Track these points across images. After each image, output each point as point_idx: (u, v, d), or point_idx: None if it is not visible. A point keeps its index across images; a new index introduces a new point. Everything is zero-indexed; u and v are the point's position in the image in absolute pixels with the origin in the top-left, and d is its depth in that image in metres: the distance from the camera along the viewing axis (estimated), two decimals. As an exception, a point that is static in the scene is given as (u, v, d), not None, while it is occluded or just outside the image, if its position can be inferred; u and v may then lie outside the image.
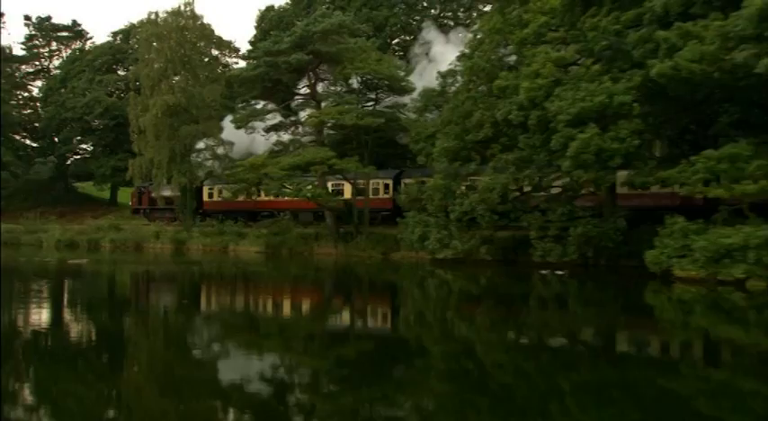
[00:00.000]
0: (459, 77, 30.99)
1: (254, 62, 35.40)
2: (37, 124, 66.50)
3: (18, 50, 68.03)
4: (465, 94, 28.97)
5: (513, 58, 27.87)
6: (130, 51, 62.49)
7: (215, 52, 48.24)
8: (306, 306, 21.21)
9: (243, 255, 39.07)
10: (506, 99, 25.72)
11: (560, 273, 24.48)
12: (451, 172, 27.60)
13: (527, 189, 26.42)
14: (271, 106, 37.23)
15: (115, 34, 63.63)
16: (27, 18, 67.13)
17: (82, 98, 59.21)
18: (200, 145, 43.92)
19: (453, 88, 30.66)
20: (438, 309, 20.50)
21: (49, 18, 67.42)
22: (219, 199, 47.13)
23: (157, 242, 44.10)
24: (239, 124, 36.95)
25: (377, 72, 34.28)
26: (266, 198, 41.71)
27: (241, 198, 39.29)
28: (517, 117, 24.64)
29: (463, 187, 27.73)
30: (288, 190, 33.52)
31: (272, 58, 34.49)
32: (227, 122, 43.43)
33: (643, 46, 20.98)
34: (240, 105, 39.28)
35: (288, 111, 37.30)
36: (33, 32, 67.57)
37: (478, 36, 30.00)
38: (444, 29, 43.27)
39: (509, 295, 22.87)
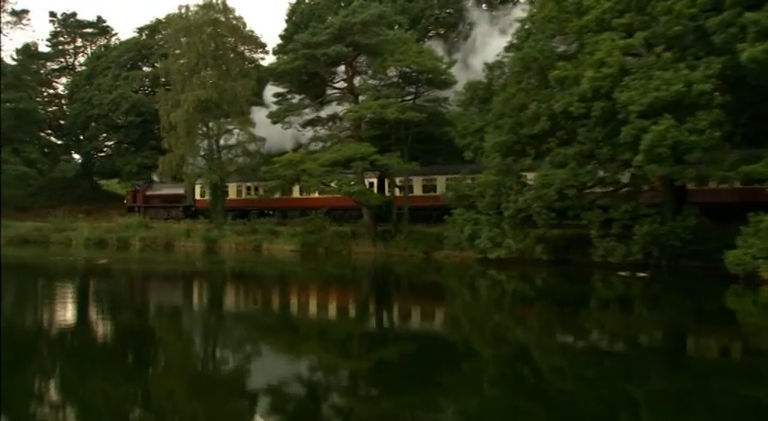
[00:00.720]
0: (506, 69, 29.71)
1: (291, 55, 34.16)
2: (62, 121, 65.98)
3: (43, 47, 67.70)
4: (515, 86, 27.59)
5: (570, 47, 26.44)
6: (156, 47, 61.74)
7: (241, 47, 47.05)
8: (347, 306, 20.39)
9: (277, 254, 38.00)
10: (565, 90, 24.33)
11: (642, 275, 23.02)
12: (503, 167, 26.19)
13: (589, 185, 24.91)
14: (308, 101, 36.05)
15: (141, 30, 62.84)
16: (52, 15, 66.60)
17: (108, 95, 58.43)
18: (232, 140, 43.02)
19: (501, 80, 29.30)
20: (490, 311, 19.49)
21: (74, 14, 66.90)
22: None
23: (188, 241, 43.14)
24: (276, 119, 35.80)
25: (419, 64, 32.96)
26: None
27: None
28: (578, 109, 23.24)
29: (516, 184, 26.29)
30: (332, 187, 32.31)
31: (311, 51, 33.29)
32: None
33: (725, 30, 19.48)
34: (275, 100, 38.07)
35: (324, 105, 36.06)
36: (58, 29, 67.03)
37: (527, 26, 28.64)
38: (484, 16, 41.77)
39: (572, 296, 21.57)
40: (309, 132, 36.78)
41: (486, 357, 12.86)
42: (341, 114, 34.97)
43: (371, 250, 35.98)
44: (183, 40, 42.44)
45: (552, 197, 24.48)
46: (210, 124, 43.27)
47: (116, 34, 68.71)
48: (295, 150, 37.45)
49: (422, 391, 9.83)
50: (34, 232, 49.02)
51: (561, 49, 27.23)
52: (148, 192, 51.82)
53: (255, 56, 58.37)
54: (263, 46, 58.18)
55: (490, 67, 30.08)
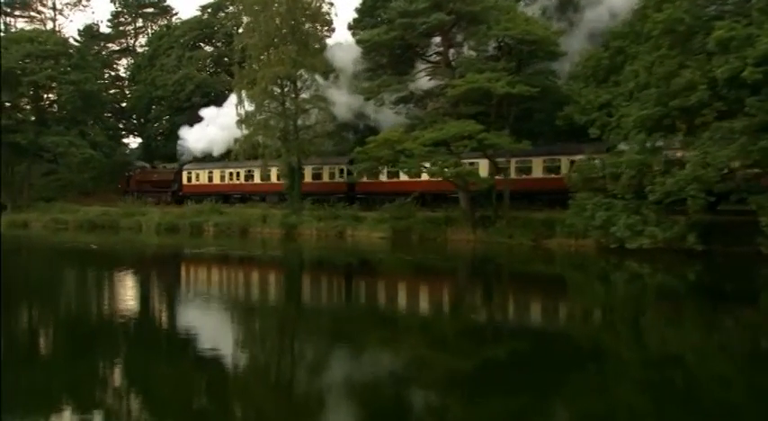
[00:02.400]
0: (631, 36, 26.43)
1: (385, 26, 31.23)
2: (123, 104, 64.66)
3: (104, 29, 66.26)
4: (653, 53, 24.25)
5: (727, 5, 23.01)
6: (219, 26, 59.68)
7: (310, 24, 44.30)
8: (450, 299, 18.71)
9: (363, 241, 35.44)
10: (729, 54, 20.99)
11: None
12: (648, 145, 22.96)
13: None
14: (395, 76, 33.12)
15: (204, 8, 60.75)
16: (113, -6, 64.98)
17: (172, 75, 56.70)
18: (311, 120, 40.51)
19: (633, 49, 25.99)
20: (629, 307, 16.99)
21: (134, -7, 65.22)
22: (198, 182, 50.97)
23: (264, 226, 40.92)
24: (369, 95, 33.04)
25: (528, 33, 29.75)
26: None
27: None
28: (752, 75, 19.91)
29: (664, 163, 23.06)
30: (434, 168, 29.42)
31: (409, 20, 30.34)
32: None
33: None
34: (366, 75, 35.26)
35: (411, 81, 33.09)
36: (119, 9, 65.49)
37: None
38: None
39: (736, 293, 18.60)
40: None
41: (623, 359, 11.38)
42: (441, 90, 31.92)
43: (470, 237, 33.07)
44: (259, 14, 39.85)
45: (713, 178, 21.21)
46: (287, 103, 40.83)
47: (176, 13, 66.98)
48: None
49: (538, 394, 8.92)
50: (102, 217, 47.58)
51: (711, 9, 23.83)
52: (140, 178, 54.19)
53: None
54: (329, 23, 55.59)
55: (617, 35, 26.83)
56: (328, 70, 39.90)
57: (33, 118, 53.92)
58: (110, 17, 65.76)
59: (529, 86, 29.18)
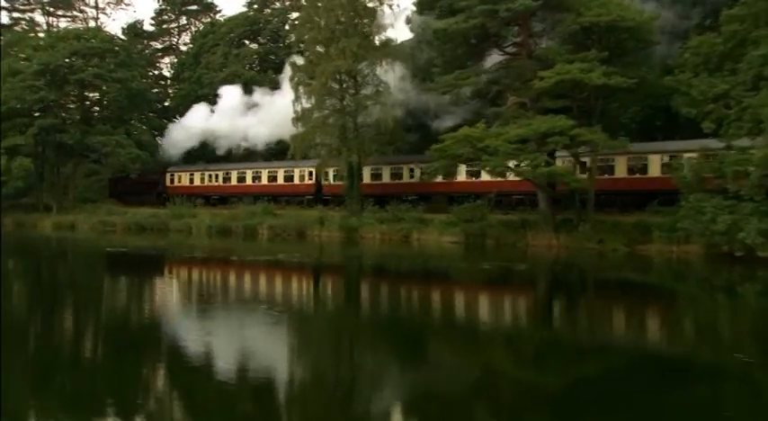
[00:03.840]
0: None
1: (463, 14, 28.80)
2: (166, 103, 63.22)
3: (147, 27, 64.92)
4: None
5: None
6: (266, 22, 57.89)
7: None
8: (539, 310, 16.73)
9: (430, 246, 33.08)
10: None
11: None
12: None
13: None
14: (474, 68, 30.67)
15: (250, 4, 59.00)
16: (157, -9, 63.61)
17: (218, 73, 55.00)
18: (371, 117, 38.29)
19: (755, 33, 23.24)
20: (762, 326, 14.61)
21: (178, -9, 63.80)
22: (183, 184, 53.39)
23: (322, 229, 38.76)
24: (446, 89, 30.66)
25: (623, 19, 27.15)
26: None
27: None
28: None
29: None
30: (520, 167, 26.92)
31: (491, 6, 27.91)
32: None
33: None
34: (438, 68, 32.92)
35: (499, 72, 30.59)
36: (163, 7, 64.10)
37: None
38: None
39: None
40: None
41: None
42: (522, 83, 29.40)
43: (552, 242, 30.51)
44: (319, 5, 37.81)
45: None
46: (345, 100, 38.73)
47: (220, 11, 65.40)
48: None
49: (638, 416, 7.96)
50: (151, 219, 45.90)
51: None
52: (127, 181, 55.82)
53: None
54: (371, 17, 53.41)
55: (732, 18, 24.08)
56: (390, 64, 37.68)
57: (78, 117, 52.56)
58: (153, 15, 64.58)
59: (628, 78, 26.55)
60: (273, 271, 24.02)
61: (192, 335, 12.75)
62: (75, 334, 13.47)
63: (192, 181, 53.22)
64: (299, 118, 38.94)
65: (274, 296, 18.55)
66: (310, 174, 44.37)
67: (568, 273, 24.36)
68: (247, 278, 22.74)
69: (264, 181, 47.98)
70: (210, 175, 51.66)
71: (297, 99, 39.08)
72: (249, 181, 48.82)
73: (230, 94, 50.49)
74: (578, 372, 10.36)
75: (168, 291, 19.24)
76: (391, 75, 38.25)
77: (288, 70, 42.54)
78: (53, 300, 17.81)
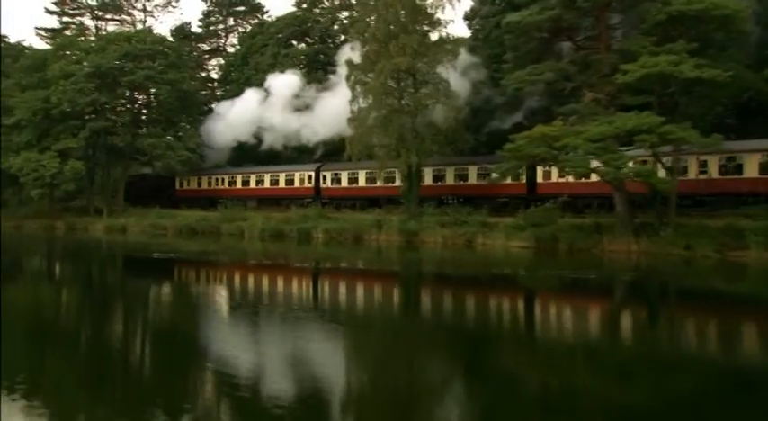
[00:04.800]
0: None
1: (537, 6, 27.16)
2: (214, 105, 62.63)
3: (194, 29, 64.57)
4: None
5: None
6: (315, 22, 56.89)
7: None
8: (627, 322, 15.36)
9: (496, 251, 31.40)
10: None
11: None
12: None
13: None
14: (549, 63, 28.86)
15: (299, 4, 58.10)
16: (205, -7, 63.24)
17: (267, 74, 54.05)
18: (432, 117, 36.82)
19: None
20: None
21: (226, -8, 63.32)
22: (192, 187, 55.37)
23: (380, 233, 37.40)
24: (519, 86, 28.99)
25: (715, 7, 25.16)
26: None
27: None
28: None
29: None
30: (608, 167, 25.07)
31: (570, -5, 26.22)
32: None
33: None
34: (508, 65, 31.25)
35: (574, 66, 28.76)
36: (210, 8, 63.69)
37: None
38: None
39: None
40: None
41: None
42: (599, 78, 27.58)
43: (631, 248, 28.56)
44: (378, 2, 36.47)
45: None
46: (404, 99, 37.33)
47: (267, 11, 64.68)
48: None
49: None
50: (202, 222, 45.17)
51: None
52: (140, 184, 56.36)
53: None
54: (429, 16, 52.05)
55: None
56: (451, 61, 36.19)
57: (129, 119, 52.27)
58: (201, 17, 64.15)
59: (725, 70, 24.57)
60: (337, 277, 22.71)
61: (247, 345, 12.06)
62: (127, 342, 12.58)
63: (199, 184, 55.23)
64: (356, 118, 37.68)
65: (341, 305, 17.19)
66: (309, 177, 47.17)
67: (652, 282, 22.40)
68: (309, 285, 21.45)
69: (267, 184, 50.31)
70: (217, 179, 53.64)
71: (354, 98, 37.83)
72: (253, 184, 51.16)
73: (281, 86, 49.83)
74: (669, 390, 9.17)
75: (226, 299, 18.00)
76: (452, 72, 36.78)
77: (342, 70, 41.43)
78: (104, 307, 16.90)
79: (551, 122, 26.50)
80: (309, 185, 47.37)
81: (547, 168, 36.80)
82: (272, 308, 16.34)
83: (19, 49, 64.56)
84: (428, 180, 40.08)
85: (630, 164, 24.97)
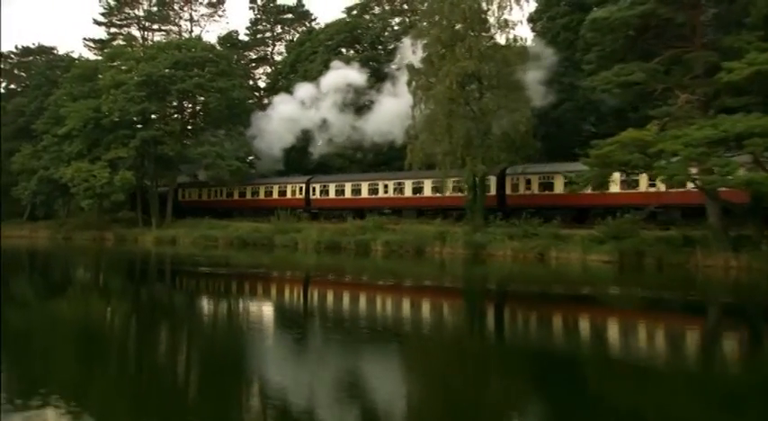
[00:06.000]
0: None
1: (625, 0, 25.10)
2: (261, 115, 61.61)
3: (242, 37, 63.81)
4: None
5: None
6: (366, 28, 55.47)
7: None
8: (740, 347, 13.06)
9: (573, 266, 29.18)
10: None
11: None
12: None
13: None
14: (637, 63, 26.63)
15: (349, 9, 56.86)
16: (252, 1, 62.41)
17: (317, 81, 52.75)
18: (500, 123, 34.85)
19: None
20: None
21: (273, 0, 62.34)
22: (192, 199, 56.94)
23: (444, 246, 35.46)
24: (606, 87, 26.87)
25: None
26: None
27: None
28: None
29: None
30: (713, 176, 22.73)
31: (666, -11, 24.10)
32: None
33: None
34: (589, 66, 29.16)
35: (665, 66, 26.53)
36: (258, 16, 62.88)
37: None
38: None
39: None
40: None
41: None
42: (691, 79, 25.31)
43: (730, 263, 26.12)
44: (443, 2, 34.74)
45: None
46: (469, 104, 35.45)
47: (315, 19, 63.52)
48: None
49: None
50: (254, 233, 43.83)
51: None
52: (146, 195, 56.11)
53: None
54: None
55: None
56: (521, 64, 34.23)
57: (178, 129, 51.44)
58: (248, 25, 63.29)
59: None
60: (411, 293, 20.78)
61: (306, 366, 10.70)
62: (180, 359, 11.27)
63: (200, 196, 56.99)
64: (418, 125, 35.93)
65: (418, 326, 15.25)
66: (300, 189, 49.30)
67: (758, 301, 19.92)
68: (378, 304, 19.56)
69: (262, 195, 51.93)
70: (216, 191, 54.76)
71: (415, 104, 36.11)
72: (249, 196, 52.94)
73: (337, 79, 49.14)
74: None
75: (287, 314, 16.22)
76: (521, 76, 34.84)
77: (402, 75, 39.81)
78: (155, 322, 15.52)
79: (628, 128, 24.28)
80: (300, 196, 49.40)
81: (515, 180, 38.33)
82: (334, 328, 14.49)
83: (68, 60, 64.75)
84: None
85: (741, 171, 22.50)
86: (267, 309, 17.74)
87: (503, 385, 9.89)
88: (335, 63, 50.74)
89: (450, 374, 10.43)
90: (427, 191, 42.15)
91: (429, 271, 28.75)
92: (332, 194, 47.60)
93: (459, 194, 37.71)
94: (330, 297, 20.46)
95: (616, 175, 29.87)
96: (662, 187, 29.15)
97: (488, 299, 20.53)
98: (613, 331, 14.82)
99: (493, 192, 38.04)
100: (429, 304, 18.80)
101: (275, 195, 51.03)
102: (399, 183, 43.62)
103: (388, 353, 11.98)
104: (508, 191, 38.60)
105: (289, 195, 50.27)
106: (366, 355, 11.58)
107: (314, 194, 48.74)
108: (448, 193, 38.36)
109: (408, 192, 43.35)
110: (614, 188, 32.60)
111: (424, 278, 25.53)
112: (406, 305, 18.55)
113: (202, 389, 9.49)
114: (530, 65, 36.22)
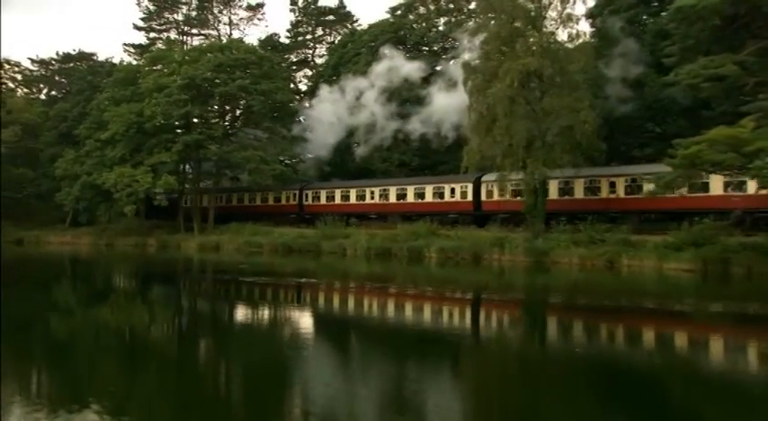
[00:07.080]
0: None
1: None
2: (302, 118, 60.56)
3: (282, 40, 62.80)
4: None
5: None
6: (409, 28, 53.96)
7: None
8: None
9: (647, 274, 27.19)
10: None
11: None
12: None
13: None
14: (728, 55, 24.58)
15: (393, 9, 55.40)
16: (293, 3, 61.33)
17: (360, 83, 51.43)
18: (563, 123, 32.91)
19: None
20: None
21: (315, 1, 61.18)
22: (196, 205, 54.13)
23: (502, 252, 33.64)
24: (692, 81, 24.88)
25: None
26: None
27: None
28: None
29: None
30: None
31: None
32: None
33: None
34: (672, 58, 27.14)
35: (755, 58, 24.44)
36: (299, 18, 61.83)
37: None
38: None
39: None
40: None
41: None
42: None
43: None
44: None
45: None
46: (530, 104, 33.59)
47: (357, 20, 62.20)
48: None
49: None
50: (300, 240, 42.47)
51: None
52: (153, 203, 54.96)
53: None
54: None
55: None
56: (586, 61, 32.34)
57: (221, 133, 50.49)
58: (288, 27, 62.27)
59: None
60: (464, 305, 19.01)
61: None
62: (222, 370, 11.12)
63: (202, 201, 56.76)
64: (474, 127, 34.20)
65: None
66: (294, 195, 50.15)
67: None
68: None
69: (258, 202, 53.13)
70: (218, 198, 54.94)
71: (471, 105, 34.39)
72: (246, 202, 54.46)
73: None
74: None
75: (337, 323, 14.62)
76: (582, 74, 32.94)
77: (448, 74, 38.25)
78: (200, 333, 14.79)
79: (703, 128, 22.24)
80: (294, 203, 50.06)
81: (489, 187, 38.09)
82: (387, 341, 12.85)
83: (109, 65, 64.53)
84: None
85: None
86: (319, 320, 16.27)
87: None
88: (387, 51, 49.52)
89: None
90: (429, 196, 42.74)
91: (489, 279, 27.00)
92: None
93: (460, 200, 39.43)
94: (388, 309, 18.85)
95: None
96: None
97: (568, 313, 18.68)
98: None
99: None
100: (498, 321, 17.09)
101: (270, 201, 52.06)
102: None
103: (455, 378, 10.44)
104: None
105: (283, 201, 51.17)
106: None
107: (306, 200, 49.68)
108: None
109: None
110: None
111: (486, 289, 23.82)
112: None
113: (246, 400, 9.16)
114: (594, 61, 34.37)
